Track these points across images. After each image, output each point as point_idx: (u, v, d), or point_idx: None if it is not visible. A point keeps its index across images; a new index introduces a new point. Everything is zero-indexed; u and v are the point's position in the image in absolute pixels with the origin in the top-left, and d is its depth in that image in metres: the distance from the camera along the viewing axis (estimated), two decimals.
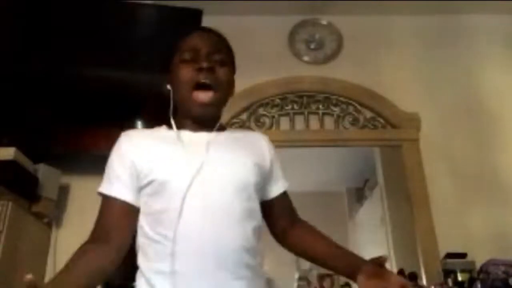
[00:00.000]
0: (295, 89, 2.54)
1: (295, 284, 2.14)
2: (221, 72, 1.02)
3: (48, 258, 2.04)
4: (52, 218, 2.07)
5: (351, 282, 2.05)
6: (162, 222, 0.91)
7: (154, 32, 2.33)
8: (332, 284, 2.14)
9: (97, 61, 2.20)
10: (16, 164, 1.80)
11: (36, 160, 1.93)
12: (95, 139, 2.11)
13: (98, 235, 0.96)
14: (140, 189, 0.97)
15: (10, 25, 2.20)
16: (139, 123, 2.18)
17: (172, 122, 1.02)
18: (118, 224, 0.96)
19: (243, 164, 0.99)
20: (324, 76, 2.56)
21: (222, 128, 1.07)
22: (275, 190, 1.09)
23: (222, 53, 1.04)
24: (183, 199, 0.90)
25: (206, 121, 1.02)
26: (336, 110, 2.51)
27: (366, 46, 2.66)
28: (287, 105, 2.51)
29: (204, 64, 0.98)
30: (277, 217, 1.09)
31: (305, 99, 2.53)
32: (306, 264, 2.10)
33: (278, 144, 2.29)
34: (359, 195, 2.63)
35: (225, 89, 1.04)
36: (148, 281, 0.90)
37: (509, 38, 2.69)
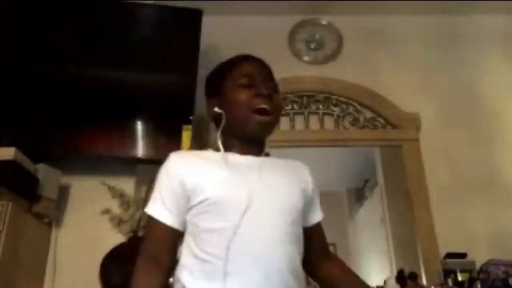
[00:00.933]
0: (295, 89, 2.54)
1: None
2: (277, 98, 1.07)
3: (48, 258, 2.03)
4: (52, 218, 2.06)
5: None
6: (211, 240, 0.92)
7: (154, 32, 2.33)
8: None
9: (97, 61, 2.20)
10: (16, 164, 1.80)
11: (36, 160, 1.93)
12: (95, 139, 2.11)
13: (151, 255, 0.98)
14: (188, 209, 0.98)
15: (10, 25, 2.20)
16: (139, 123, 2.18)
17: (220, 144, 1.03)
18: (167, 247, 0.98)
19: (292, 189, 1.03)
20: (324, 76, 2.56)
21: (266, 155, 1.10)
22: (314, 218, 1.12)
23: (273, 80, 1.10)
24: (241, 219, 0.91)
25: (257, 143, 1.06)
26: (336, 110, 2.51)
27: (366, 46, 2.66)
28: (287, 105, 2.51)
29: (265, 91, 1.03)
30: (310, 245, 1.10)
31: (305, 99, 2.53)
32: None
33: (278, 144, 2.31)
34: (359, 195, 2.63)
35: (279, 114, 1.10)
36: None
37: (509, 38, 2.69)
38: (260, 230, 0.93)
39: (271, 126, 1.06)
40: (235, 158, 1.02)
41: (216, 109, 1.06)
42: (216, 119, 1.06)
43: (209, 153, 1.06)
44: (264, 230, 0.93)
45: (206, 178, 0.98)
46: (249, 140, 1.05)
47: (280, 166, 1.07)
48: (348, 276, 1.11)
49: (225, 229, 0.91)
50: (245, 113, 1.02)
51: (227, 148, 1.03)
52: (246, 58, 1.11)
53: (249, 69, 1.07)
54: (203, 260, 0.92)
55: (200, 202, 0.96)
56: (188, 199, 0.97)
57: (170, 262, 0.98)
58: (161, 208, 0.99)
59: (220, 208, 0.94)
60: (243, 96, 1.03)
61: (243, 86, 1.04)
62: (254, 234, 0.92)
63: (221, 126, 1.04)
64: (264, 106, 1.02)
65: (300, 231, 1.01)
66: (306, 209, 1.07)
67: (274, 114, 1.04)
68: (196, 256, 0.93)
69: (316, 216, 1.13)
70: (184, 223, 0.99)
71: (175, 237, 0.99)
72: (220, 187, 0.96)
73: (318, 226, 1.13)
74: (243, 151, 1.04)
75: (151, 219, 1.00)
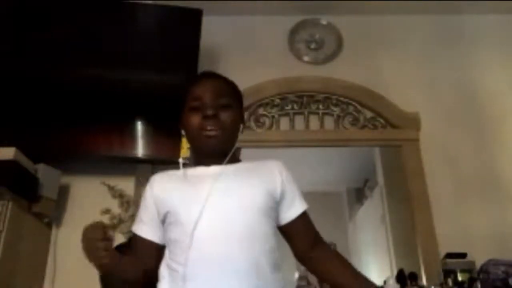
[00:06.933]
0: (295, 89, 2.54)
1: (295, 284, 2.14)
2: (225, 116, 1.12)
3: (48, 258, 2.04)
4: (52, 218, 2.07)
5: None
6: (176, 249, 1.02)
7: (154, 32, 2.33)
8: None
9: (97, 61, 2.20)
10: (16, 164, 1.80)
11: (36, 160, 1.93)
12: (95, 139, 2.11)
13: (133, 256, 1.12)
14: (161, 224, 1.09)
15: (10, 24, 2.20)
16: (139, 123, 2.18)
17: (180, 160, 1.14)
18: (145, 254, 1.11)
19: (253, 190, 1.07)
20: (324, 76, 2.56)
21: (236, 162, 1.15)
22: (290, 214, 1.13)
23: (225, 96, 1.14)
24: (194, 227, 0.98)
25: (216, 154, 1.12)
26: (336, 110, 2.51)
27: (366, 46, 2.66)
28: (287, 105, 2.51)
29: (209, 112, 1.09)
30: (297, 240, 1.14)
31: (305, 99, 2.53)
32: None
33: (278, 144, 2.33)
34: (359, 195, 2.63)
35: (230, 129, 1.14)
36: None
37: (509, 37, 2.69)
38: (215, 233, 0.99)
39: (220, 141, 1.11)
40: (195, 171, 1.12)
41: (182, 132, 1.17)
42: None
43: (178, 171, 1.15)
44: (219, 233, 0.99)
45: (168, 193, 1.09)
46: (208, 155, 1.13)
47: (242, 171, 1.12)
48: (338, 264, 1.12)
49: (184, 237, 0.99)
50: (196, 134, 1.11)
51: (197, 163, 1.14)
52: (197, 79, 1.18)
53: (197, 91, 1.14)
54: (173, 269, 1.00)
55: (165, 216, 1.06)
56: (159, 214, 1.09)
57: (151, 264, 1.08)
58: (140, 224, 1.12)
59: (178, 218, 1.03)
60: (192, 119, 1.12)
61: (193, 109, 1.12)
62: (210, 238, 0.98)
63: (184, 143, 1.15)
64: (209, 128, 1.09)
65: (267, 229, 1.05)
66: (276, 208, 1.10)
67: (222, 129, 1.10)
68: (168, 266, 1.03)
69: (293, 212, 1.13)
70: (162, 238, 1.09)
71: (154, 248, 1.09)
72: (177, 199, 1.06)
73: (298, 220, 1.13)
74: (208, 163, 1.11)
75: (134, 235, 1.13)
